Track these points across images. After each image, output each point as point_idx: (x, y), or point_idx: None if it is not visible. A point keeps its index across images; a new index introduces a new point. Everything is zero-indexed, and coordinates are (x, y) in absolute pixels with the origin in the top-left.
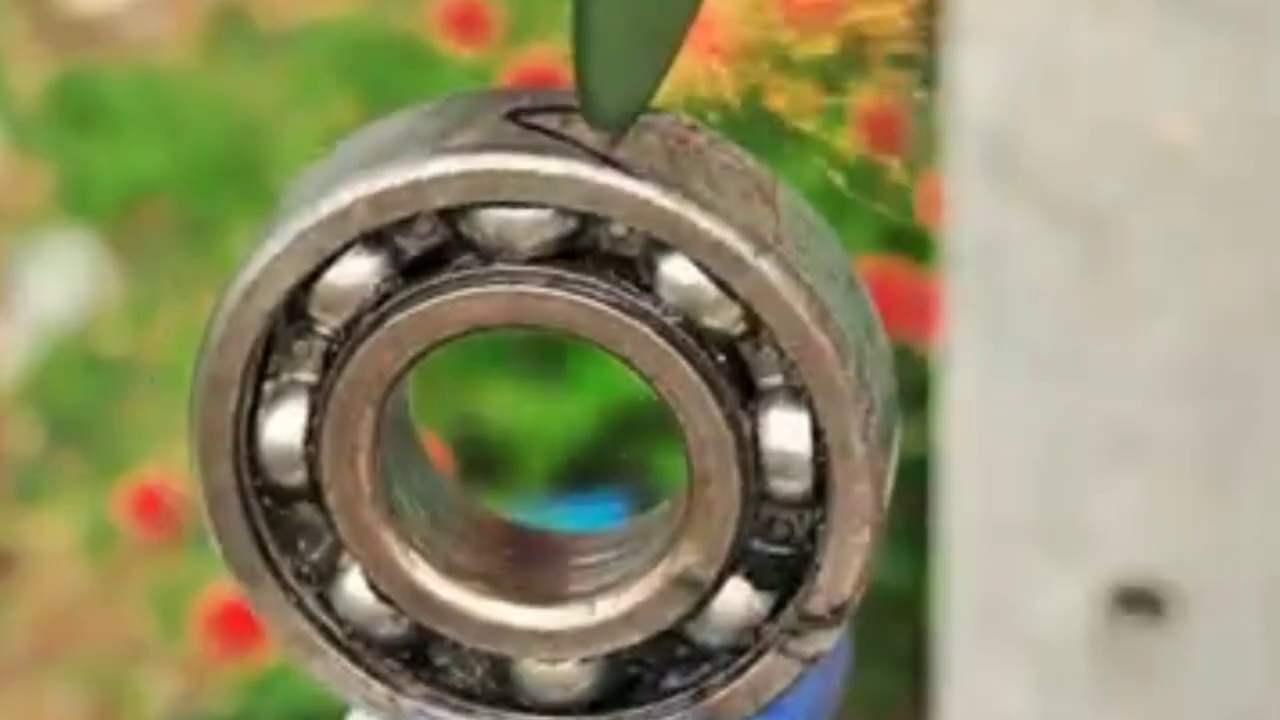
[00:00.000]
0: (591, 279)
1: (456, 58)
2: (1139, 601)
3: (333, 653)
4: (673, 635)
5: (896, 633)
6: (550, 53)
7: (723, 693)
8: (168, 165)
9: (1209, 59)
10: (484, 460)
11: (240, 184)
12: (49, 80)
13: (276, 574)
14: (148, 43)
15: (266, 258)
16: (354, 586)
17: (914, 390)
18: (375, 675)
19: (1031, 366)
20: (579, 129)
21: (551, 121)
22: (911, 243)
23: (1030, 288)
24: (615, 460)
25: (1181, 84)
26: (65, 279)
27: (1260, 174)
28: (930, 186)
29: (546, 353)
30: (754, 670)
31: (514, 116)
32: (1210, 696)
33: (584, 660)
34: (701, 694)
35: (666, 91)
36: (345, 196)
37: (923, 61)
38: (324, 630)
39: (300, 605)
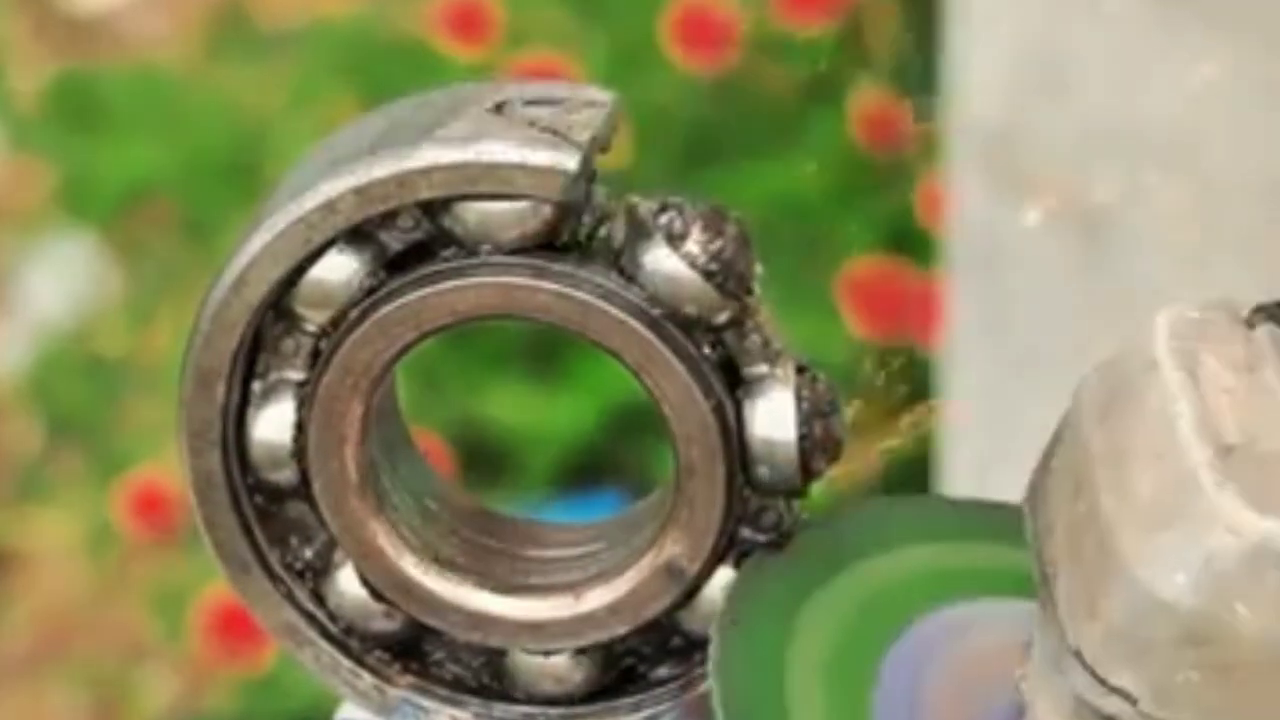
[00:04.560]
0: (578, 270)
1: (456, 58)
2: None
3: (322, 643)
4: (665, 626)
5: None
6: (549, 53)
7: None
8: (168, 165)
9: (1208, 58)
10: (484, 460)
11: (240, 184)
12: (49, 80)
13: (265, 565)
14: (148, 43)
15: (254, 250)
16: (347, 583)
17: (914, 390)
18: (364, 666)
19: (1031, 365)
20: (566, 121)
21: (538, 114)
22: (912, 243)
23: (1030, 287)
24: (615, 459)
25: (1181, 83)
26: (65, 279)
27: (1260, 172)
28: (930, 186)
29: (547, 353)
30: None
31: (500, 109)
32: None
33: (578, 652)
34: (689, 684)
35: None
36: (333, 189)
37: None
38: (313, 621)
39: (289, 597)
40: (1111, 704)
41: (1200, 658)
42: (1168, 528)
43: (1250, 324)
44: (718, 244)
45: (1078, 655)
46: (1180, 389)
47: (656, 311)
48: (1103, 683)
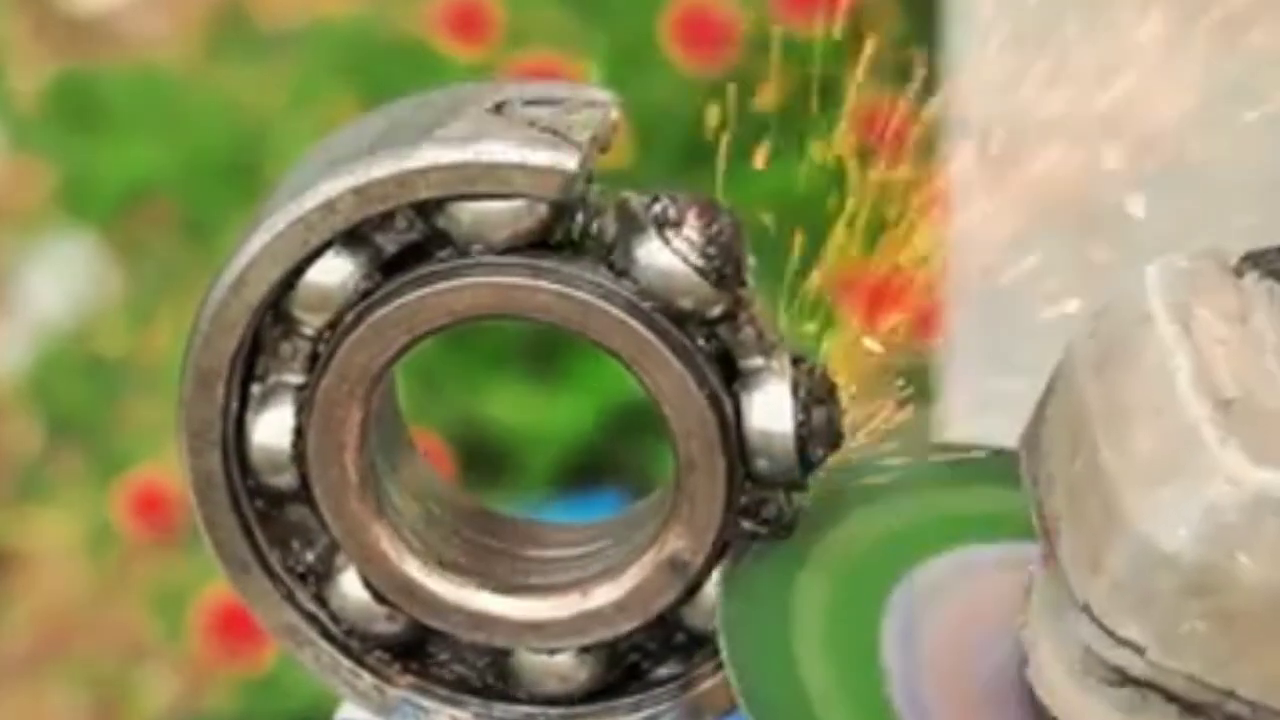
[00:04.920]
0: (573, 269)
1: (456, 58)
2: None
3: (322, 644)
4: (669, 622)
5: None
6: (549, 53)
7: (709, 683)
8: (168, 165)
9: (1209, 57)
10: (484, 460)
11: (240, 184)
12: (49, 80)
13: (265, 565)
14: (148, 43)
15: (253, 250)
16: (350, 587)
17: (914, 390)
18: (364, 666)
19: (1032, 366)
20: (565, 121)
21: (538, 114)
22: (911, 242)
23: (1030, 287)
24: (615, 459)
25: (1181, 82)
26: (65, 279)
27: (1260, 172)
28: (929, 185)
29: (546, 353)
30: None
31: (500, 109)
32: None
33: (583, 650)
34: (689, 684)
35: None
36: (332, 189)
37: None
38: (314, 622)
39: (290, 598)
40: (1120, 655)
41: (1205, 607)
42: (1168, 482)
43: (1239, 272)
44: (714, 228)
45: (1086, 609)
46: (1176, 343)
47: (649, 306)
48: (1111, 634)
